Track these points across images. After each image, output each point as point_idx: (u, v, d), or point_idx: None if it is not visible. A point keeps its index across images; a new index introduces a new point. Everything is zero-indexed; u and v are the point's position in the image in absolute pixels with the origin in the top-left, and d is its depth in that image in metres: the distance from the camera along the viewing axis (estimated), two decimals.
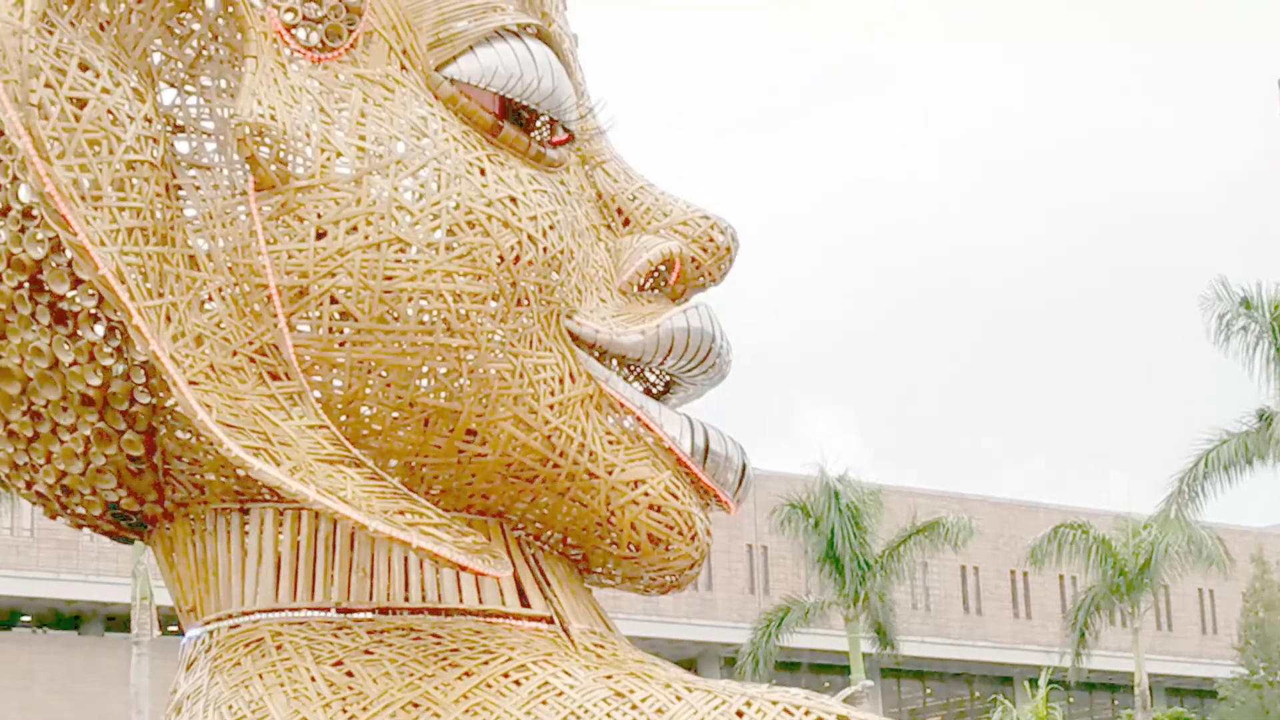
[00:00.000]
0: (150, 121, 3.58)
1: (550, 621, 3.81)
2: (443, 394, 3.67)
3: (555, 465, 3.78)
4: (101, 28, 3.58)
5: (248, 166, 3.64)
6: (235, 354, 3.61)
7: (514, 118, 3.89)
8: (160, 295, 3.52)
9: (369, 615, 3.69)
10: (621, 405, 3.86)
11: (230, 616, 3.76)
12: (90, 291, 3.62)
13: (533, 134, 3.89)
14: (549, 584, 3.87)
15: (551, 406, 3.75)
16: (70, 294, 3.65)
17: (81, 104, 3.47)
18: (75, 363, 3.67)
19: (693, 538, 3.93)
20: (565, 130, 3.96)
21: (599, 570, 4.01)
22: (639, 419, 3.87)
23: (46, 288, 3.64)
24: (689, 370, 3.96)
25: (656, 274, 4.02)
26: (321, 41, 3.78)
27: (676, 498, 3.89)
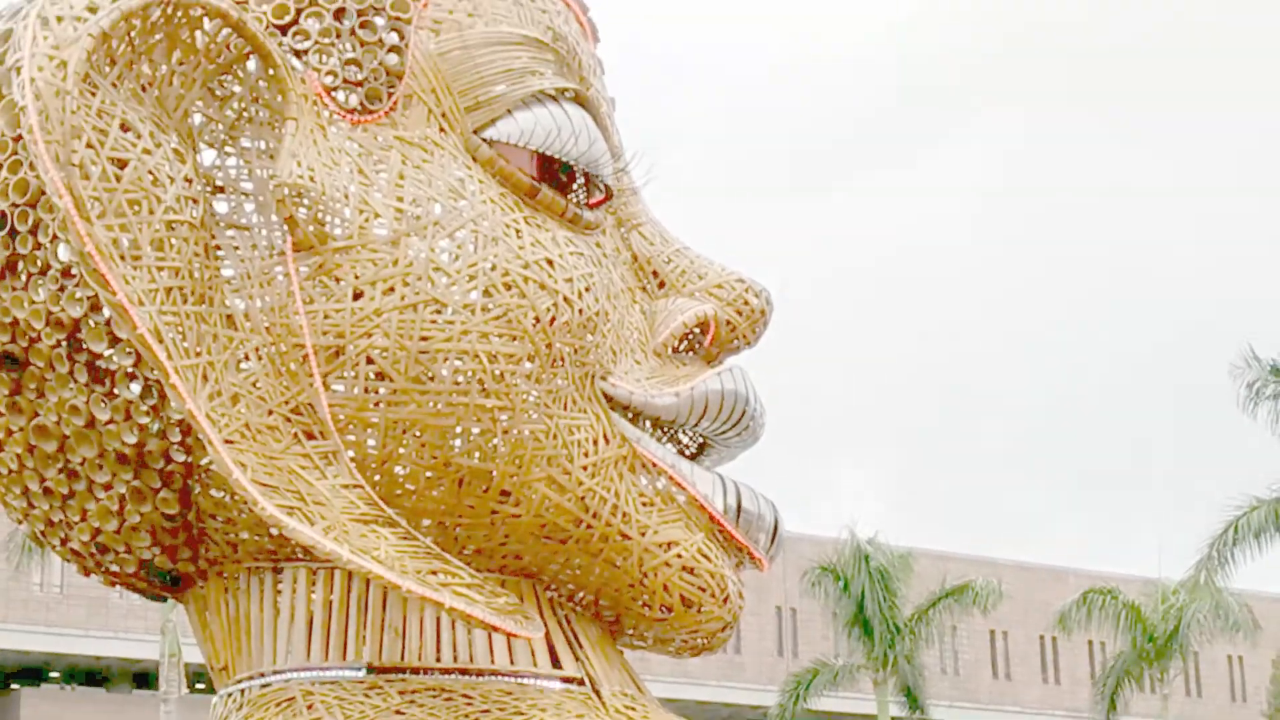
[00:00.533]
0: (190, 182, 3.60)
1: (581, 683, 3.81)
2: (477, 454, 3.68)
3: (589, 526, 3.78)
4: (143, 89, 3.61)
5: (286, 227, 3.66)
6: (271, 413, 3.62)
7: (552, 181, 3.91)
8: (197, 354, 3.54)
9: (401, 675, 3.69)
10: (654, 465, 3.87)
11: (262, 675, 3.76)
12: (128, 350, 3.64)
13: (570, 196, 3.91)
14: (581, 645, 3.87)
15: (585, 468, 3.76)
16: (108, 352, 3.67)
17: (123, 164, 3.49)
18: (112, 420, 3.69)
19: (725, 600, 3.93)
20: (602, 188, 3.98)
21: (631, 632, 4.01)
22: (671, 478, 3.88)
23: (84, 346, 3.66)
24: (723, 432, 3.97)
25: (691, 336, 4.03)
26: (361, 104, 3.80)
27: (709, 560, 3.89)
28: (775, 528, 4.01)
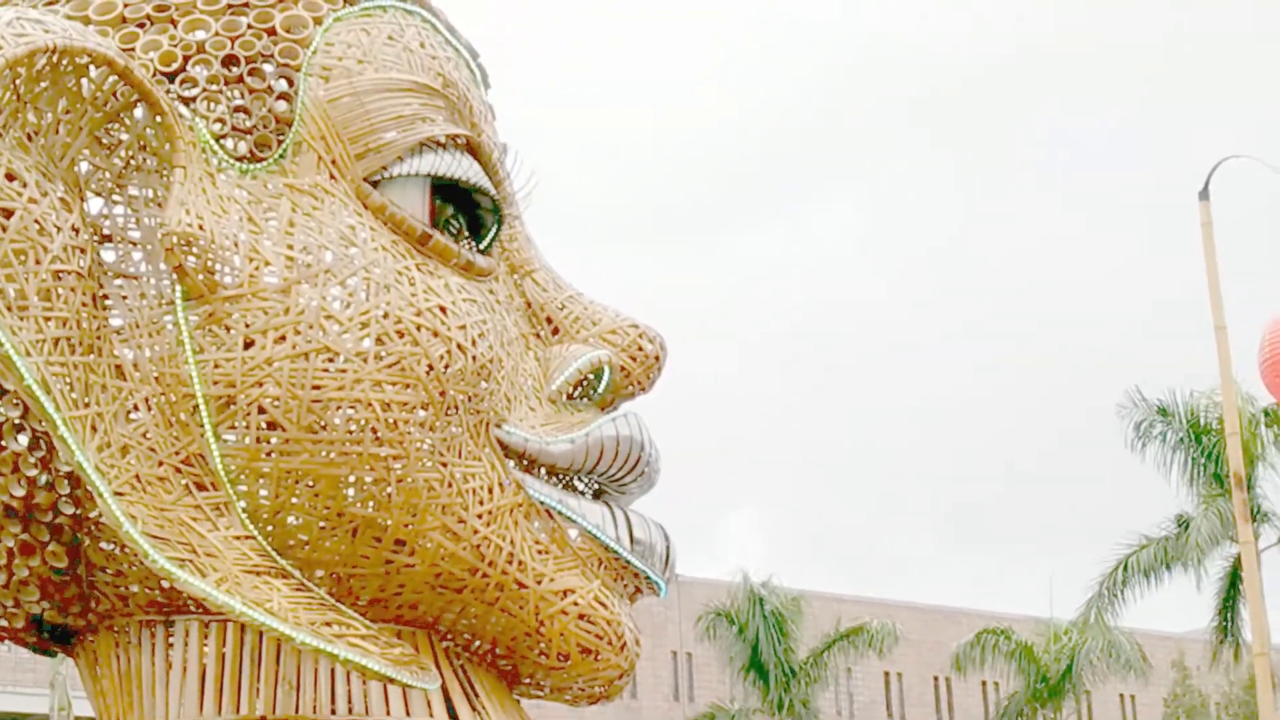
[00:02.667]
0: (77, 231, 3.56)
1: None
2: (371, 503, 3.65)
3: (484, 575, 3.77)
4: (29, 138, 3.57)
5: (175, 276, 3.63)
6: (161, 464, 3.59)
7: (444, 228, 3.90)
8: (86, 405, 3.50)
9: None
10: (543, 504, 3.85)
11: None
12: (15, 401, 3.60)
13: (461, 243, 3.90)
14: (477, 695, 3.85)
15: (480, 516, 3.74)
16: None
17: (8, 214, 3.45)
18: None
19: (622, 647, 3.92)
20: (492, 227, 3.98)
21: (528, 680, 3.99)
22: (560, 513, 3.87)
23: None
24: (618, 478, 3.96)
25: (585, 382, 4.03)
26: (250, 151, 3.78)
27: (605, 607, 3.89)
28: (668, 553, 4.02)
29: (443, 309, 3.71)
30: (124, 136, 3.72)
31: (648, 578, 3.97)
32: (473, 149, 3.92)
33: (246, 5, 3.84)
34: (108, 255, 3.70)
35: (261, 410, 3.59)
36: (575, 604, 3.84)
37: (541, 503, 3.84)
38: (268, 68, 3.81)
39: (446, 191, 3.93)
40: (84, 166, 3.69)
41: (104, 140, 3.71)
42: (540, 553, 3.82)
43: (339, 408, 3.60)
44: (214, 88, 3.77)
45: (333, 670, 3.67)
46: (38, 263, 3.46)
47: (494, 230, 4.00)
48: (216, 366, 3.60)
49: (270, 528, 3.63)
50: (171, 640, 3.73)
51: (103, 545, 3.70)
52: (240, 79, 3.79)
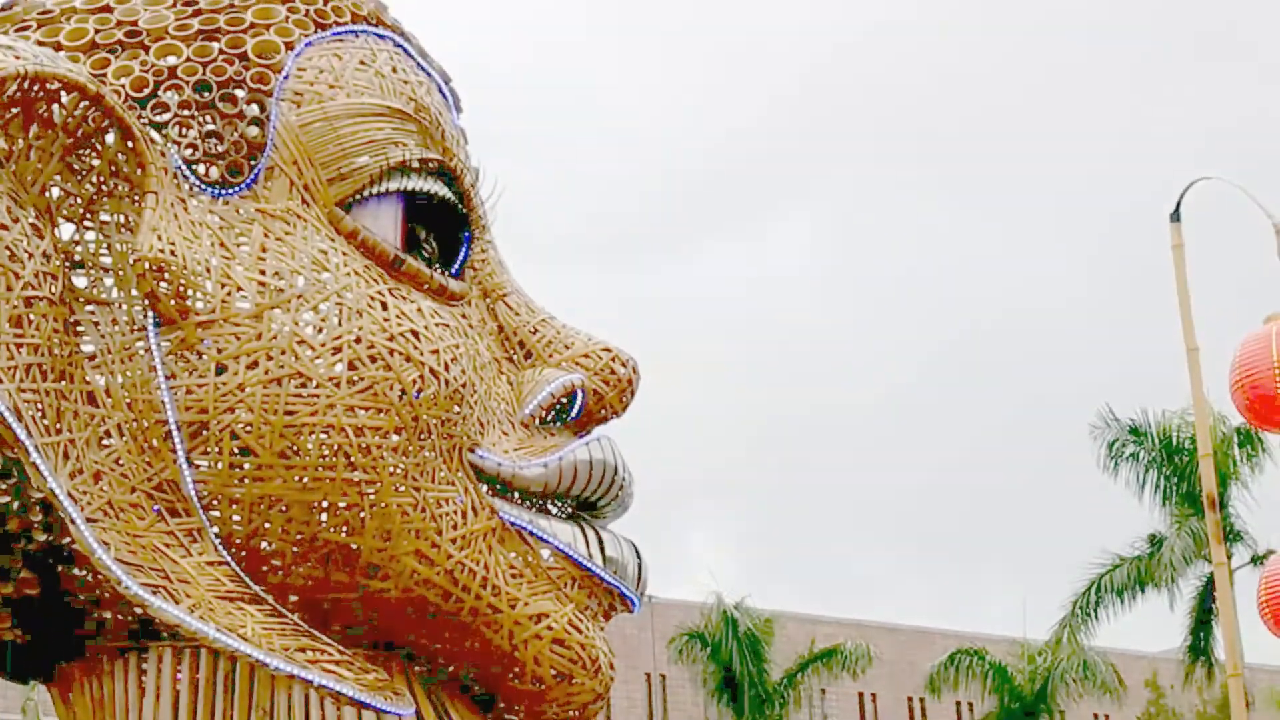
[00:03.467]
0: (49, 257, 3.56)
1: None
2: (344, 529, 3.65)
3: (458, 600, 3.76)
4: (0, 164, 3.56)
5: (147, 302, 3.63)
6: (134, 490, 3.58)
7: (417, 251, 3.91)
8: (58, 431, 3.49)
9: None
10: (514, 526, 3.85)
11: None
12: None
13: (434, 268, 3.90)
14: None
15: (454, 540, 3.74)
16: None
17: None
18: None
19: (596, 671, 3.91)
20: (465, 246, 3.98)
21: (503, 705, 3.98)
22: (532, 533, 3.86)
23: None
24: (593, 502, 3.96)
25: (559, 406, 4.02)
26: (223, 177, 3.78)
27: (580, 631, 3.88)
28: (640, 569, 4.02)
29: (415, 334, 3.70)
30: (95, 162, 3.71)
31: (621, 594, 3.97)
32: (445, 173, 3.92)
33: (218, 31, 3.84)
34: (79, 281, 3.69)
35: (234, 436, 3.58)
36: (549, 628, 3.84)
37: (512, 524, 3.83)
38: (240, 93, 3.81)
39: (419, 214, 3.93)
40: (55, 192, 3.68)
41: (75, 166, 3.70)
42: (514, 577, 3.82)
43: (312, 433, 3.59)
44: (186, 113, 3.77)
45: (307, 696, 3.66)
46: (9, 289, 3.45)
47: (465, 253, 4.00)
48: (189, 392, 3.60)
49: (243, 553, 3.63)
50: (145, 667, 3.72)
51: (76, 572, 3.69)
52: (212, 104, 3.79)
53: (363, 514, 3.64)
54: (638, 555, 4.01)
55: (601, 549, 3.94)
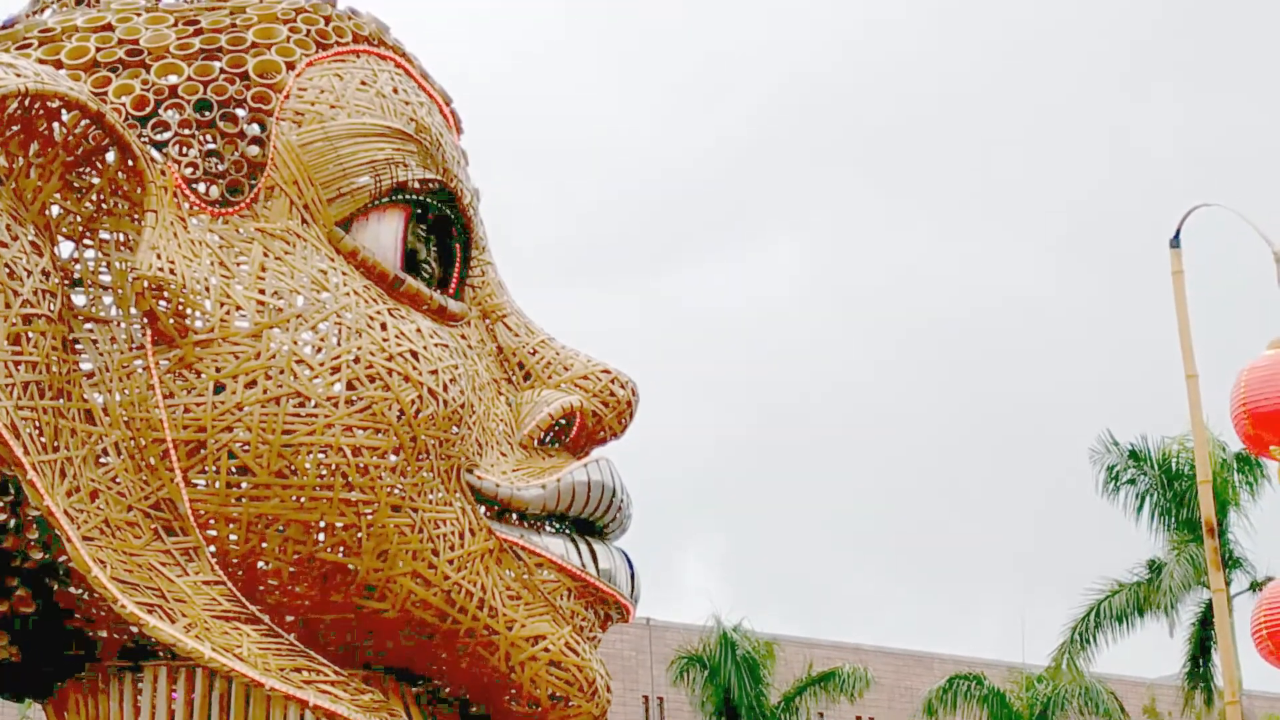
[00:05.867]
0: (48, 275, 3.56)
1: None
2: (341, 549, 3.64)
3: (454, 621, 3.75)
4: None
5: (146, 320, 3.62)
6: (130, 509, 3.57)
7: (417, 271, 3.90)
8: (55, 449, 3.49)
9: None
10: (510, 543, 3.84)
11: None
12: None
13: (434, 289, 3.90)
14: None
15: (451, 561, 3.73)
16: None
17: None
18: None
19: (593, 693, 3.91)
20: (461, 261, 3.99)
21: None
22: (524, 546, 3.86)
23: None
24: (593, 523, 3.96)
25: (557, 428, 4.02)
26: (223, 195, 3.78)
27: (576, 653, 3.88)
28: (633, 578, 4.02)
29: (414, 354, 3.70)
30: (95, 180, 3.71)
31: (617, 602, 3.97)
32: (445, 193, 3.92)
33: (219, 50, 3.84)
34: (78, 299, 3.69)
35: (232, 455, 3.58)
36: (546, 650, 3.83)
37: (503, 538, 3.83)
38: (240, 112, 3.81)
39: (420, 232, 3.93)
40: (55, 210, 3.68)
41: (75, 184, 3.70)
42: (511, 598, 3.81)
43: (309, 452, 3.59)
44: (186, 132, 3.77)
45: (302, 716, 3.66)
46: (8, 306, 3.45)
47: (463, 272, 4.00)
48: (186, 411, 3.59)
49: (240, 573, 3.62)
50: (140, 686, 3.71)
51: (71, 590, 3.69)
52: (213, 123, 3.79)
53: (360, 534, 3.63)
54: (630, 565, 4.02)
55: (595, 560, 3.94)
